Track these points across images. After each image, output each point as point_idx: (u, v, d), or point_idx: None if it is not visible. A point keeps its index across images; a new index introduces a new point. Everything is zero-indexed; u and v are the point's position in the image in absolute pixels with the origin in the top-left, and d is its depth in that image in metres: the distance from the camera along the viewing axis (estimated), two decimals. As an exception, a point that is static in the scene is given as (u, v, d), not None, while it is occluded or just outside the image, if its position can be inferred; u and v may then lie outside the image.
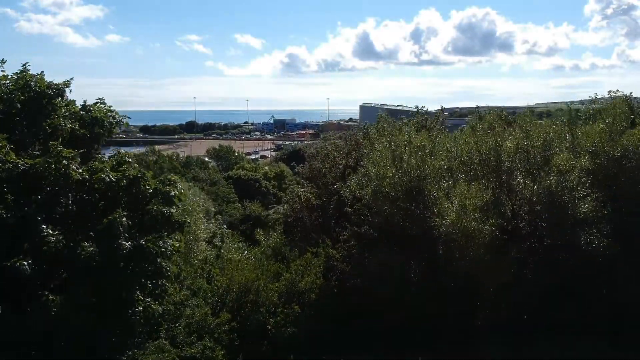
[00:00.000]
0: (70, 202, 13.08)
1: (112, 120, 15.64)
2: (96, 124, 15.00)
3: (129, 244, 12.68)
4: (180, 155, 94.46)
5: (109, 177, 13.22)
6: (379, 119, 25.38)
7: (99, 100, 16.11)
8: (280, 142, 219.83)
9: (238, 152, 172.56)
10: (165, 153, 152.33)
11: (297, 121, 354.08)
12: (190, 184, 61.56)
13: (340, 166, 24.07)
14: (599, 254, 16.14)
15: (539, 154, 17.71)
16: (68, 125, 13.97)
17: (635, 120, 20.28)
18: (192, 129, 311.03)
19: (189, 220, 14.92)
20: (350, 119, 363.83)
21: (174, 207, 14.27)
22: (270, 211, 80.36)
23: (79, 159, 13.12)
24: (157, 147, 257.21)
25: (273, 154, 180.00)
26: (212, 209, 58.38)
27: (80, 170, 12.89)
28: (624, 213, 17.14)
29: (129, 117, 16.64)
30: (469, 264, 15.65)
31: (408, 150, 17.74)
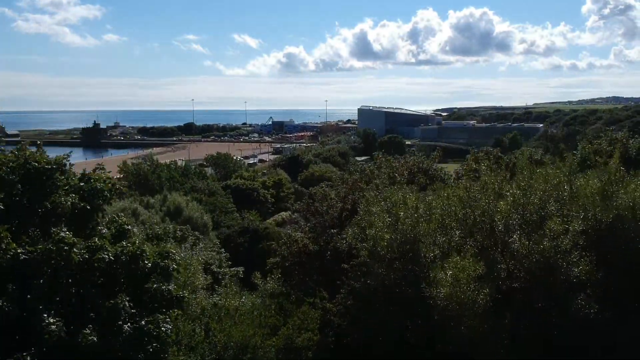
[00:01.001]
0: (70, 281, 13.25)
1: (111, 187, 15.80)
2: (95, 195, 15.15)
3: (128, 326, 12.87)
4: (179, 163, 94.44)
5: (109, 257, 13.40)
6: (376, 159, 25.58)
7: (98, 166, 16.34)
8: (279, 145, 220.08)
9: (236, 159, 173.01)
10: (163, 161, 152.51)
11: (296, 122, 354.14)
12: (188, 197, 61.71)
13: (338, 208, 24.27)
14: (592, 319, 16.33)
15: (535, 212, 17.88)
16: (69, 203, 14.12)
17: (631, 172, 20.39)
18: (190, 130, 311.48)
19: (187, 295, 15.08)
20: (349, 121, 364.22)
21: (172, 280, 14.47)
22: (268, 221, 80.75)
23: (82, 243, 13.28)
24: (155, 149, 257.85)
25: (272, 157, 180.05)
26: (210, 222, 58.59)
27: (81, 251, 13.06)
28: (617, 276, 17.30)
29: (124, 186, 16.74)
30: (464, 332, 15.84)
31: (403, 211, 17.91)
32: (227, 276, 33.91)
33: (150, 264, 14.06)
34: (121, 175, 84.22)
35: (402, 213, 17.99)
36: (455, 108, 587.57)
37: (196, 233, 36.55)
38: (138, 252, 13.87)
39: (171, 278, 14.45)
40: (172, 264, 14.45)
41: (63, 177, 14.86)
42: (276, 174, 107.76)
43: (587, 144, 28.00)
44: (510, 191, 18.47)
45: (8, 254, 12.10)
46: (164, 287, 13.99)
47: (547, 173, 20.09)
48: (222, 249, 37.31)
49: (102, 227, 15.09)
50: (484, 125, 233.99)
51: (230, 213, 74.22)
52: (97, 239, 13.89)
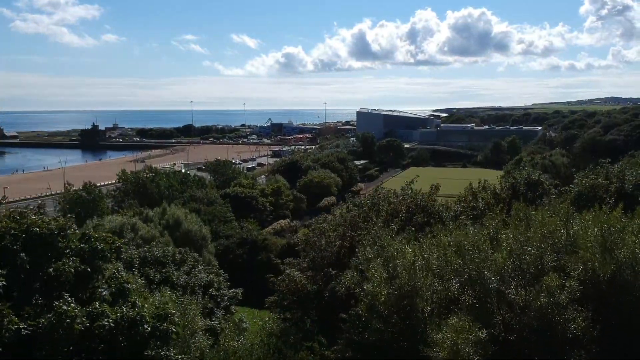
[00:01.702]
0: (70, 349, 13.36)
1: (112, 246, 15.87)
2: (96, 256, 15.21)
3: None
4: (177, 167, 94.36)
5: (110, 323, 13.50)
6: (375, 194, 25.62)
7: (98, 222, 16.48)
8: (278, 148, 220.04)
9: (235, 165, 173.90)
10: (162, 165, 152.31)
11: (294, 123, 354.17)
12: (187, 209, 61.70)
13: (336, 246, 24.36)
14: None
15: (532, 263, 17.99)
16: (71, 269, 14.19)
17: (628, 214, 20.41)
18: (189, 132, 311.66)
19: (186, 360, 15.16)
20: (348, 122, 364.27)
21: (171, 343, 14.58)
22: (267, 229, 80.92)
23: (83, 310, 13.38)
24: (153, 151, 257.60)
25: (271, 161, 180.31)
26: (209, 234, 58.59)
27: (82, 320, 13.16)
28: (615, 331, 17.39)
29: (126, 245, 16.87)
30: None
31: (400, 260, 18.03)
32: (226, 297, 34.20)
33: (149, 329, 14.17)
34: (120, 183, 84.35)
35: (399, 261, 18.12)
36: (455, 109, 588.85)
37: (195, 255, 36.54)
38: (138, 318, 13.97)
39: (170, 341, 14.56)
40: (172, 326, 14.55)
41: (64, 240, 14.95)
42: (275, 180, 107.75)
43: (583, 178, 28.08)
44: (507, 241, 18.57)
45: (10, 331, 12.22)
46: (162, 353, 14.11)
47: (544, 219, 20.19)
48: (221, 270, 37.20)
49: (103, 289, 15.15)
50: (482, 128, 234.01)
51: (229, 222, 74.41)
52: (97, 303, 14.00)
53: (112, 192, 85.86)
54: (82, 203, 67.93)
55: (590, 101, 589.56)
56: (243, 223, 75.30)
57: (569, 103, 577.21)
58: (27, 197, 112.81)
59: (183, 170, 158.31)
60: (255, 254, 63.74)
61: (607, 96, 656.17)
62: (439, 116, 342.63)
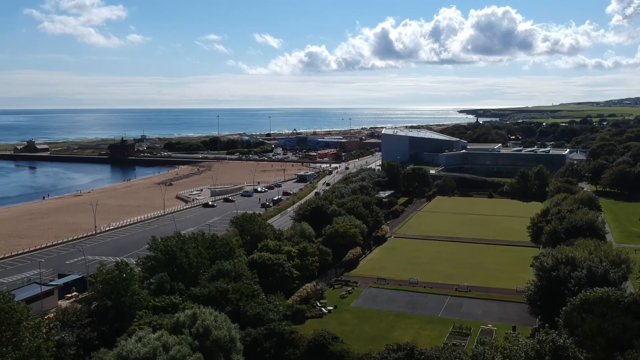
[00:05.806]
0: None
1: None
2: None
3: None
4: (206, 233, 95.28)
5: None
6: None
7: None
8: (303, 172, 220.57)
9: (260, 192, 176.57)
10: (188, 192, 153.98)
11: (318, 131, 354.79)
12: (217, 312, 62.85)
13: None
14: None
15: None
16: None
17: None
18: (215, 145, 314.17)
19: None
20: (372, 133, 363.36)
21: None
22: (293, 297, 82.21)
23: None
24: (180, 167, 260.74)
25: (295, 188, 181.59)
26: (237, 335, 59.77)
27: None
28: None
29: None
30: None
31: None
32: None
33: None
34: (151, 254, 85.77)
35: None
36: (480, 109, 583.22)
37: None
38: None
39: None
40: None
41: None
42: (300, 230, 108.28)
43: None
44: None
45: None
46: None
47: None
48: None
49: None
50: (509, 151, 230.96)
51: (256, 297, 75.67)
52: None
53: (143, 260, 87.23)
54: (114, 283, 69.89)
55: (620, 101, 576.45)
56: (270, 298, 76.51)
57: (597, 104, 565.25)
58: (58, 241, 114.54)
59: (210, 202, 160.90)
60: (283, 349, 64.93)
61: (637, 95, 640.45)
62: (464, 130, 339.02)
